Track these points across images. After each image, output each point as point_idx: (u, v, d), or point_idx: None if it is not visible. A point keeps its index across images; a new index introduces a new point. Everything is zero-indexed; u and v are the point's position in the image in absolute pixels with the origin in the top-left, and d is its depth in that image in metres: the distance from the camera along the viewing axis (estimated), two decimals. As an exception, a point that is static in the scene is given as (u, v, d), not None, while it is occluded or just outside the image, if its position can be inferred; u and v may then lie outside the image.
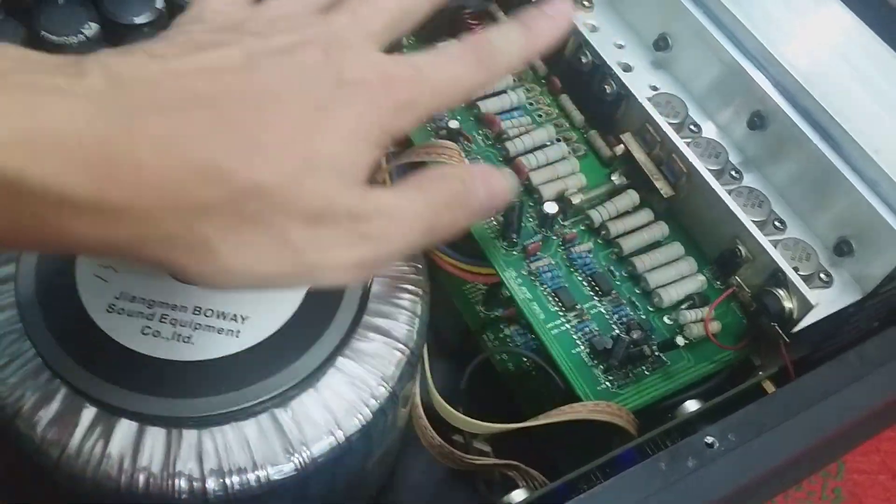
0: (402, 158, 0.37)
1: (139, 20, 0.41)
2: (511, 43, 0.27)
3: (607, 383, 0.33)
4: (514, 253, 0.36)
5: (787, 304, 0.33)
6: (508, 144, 0.38)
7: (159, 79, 0.21)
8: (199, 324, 0.27)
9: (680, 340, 0.33)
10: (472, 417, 0.34)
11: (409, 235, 0.24)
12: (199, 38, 0.23)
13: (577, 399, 0.33)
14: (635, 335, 0.33)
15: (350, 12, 0.25)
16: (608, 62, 0.38)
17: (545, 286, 0.35)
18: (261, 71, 0.22)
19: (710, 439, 0.27)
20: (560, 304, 0.34)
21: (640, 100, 0.37)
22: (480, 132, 0.39)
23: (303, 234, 0.22)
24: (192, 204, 0.20)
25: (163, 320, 0.27)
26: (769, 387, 0.32)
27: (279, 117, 0.22)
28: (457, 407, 0.34)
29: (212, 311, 0.28)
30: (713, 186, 0.35)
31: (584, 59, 0.39)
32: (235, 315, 0.28)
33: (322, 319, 0.28)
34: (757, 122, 0.38)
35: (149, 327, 0.27)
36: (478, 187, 0.26)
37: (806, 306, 0.33)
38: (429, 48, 0.40)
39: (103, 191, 0.19)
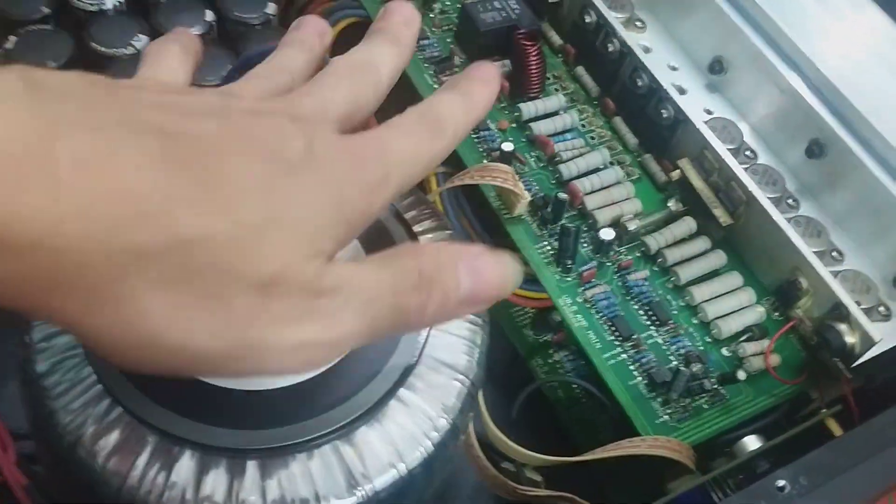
0: (454, 181, 0.37)
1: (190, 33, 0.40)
2: (454, 111, 0.25)
3: (666, 416, 0.32)
4: (569, 279, 0.35)
5: (850, 340, 0.32)
6: (562, 167, 0.37)
7: (97, 98, 0.18)
8: (263, 352, 0.27)
9: (741, 375, 0.32)
10: (522, 444, 0.33)
11: (367, 317, 0.21)
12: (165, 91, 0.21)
13: (634, 431, 0.32)
14: (695, 368, 0.32)
15: (313, 95, 0.23)
16: (664, 86, 0.38)
17: (601, 314, 0.34)
18: (230, 121, 0.20)
19: (781, 483, 0.26)
20: (616, 333, 0.34)
21: (698, 125, 0.36)
22: (534, 154, 0.38)
23: (248, 303, 0.19)
24: (122, 244, 0.17)
25: (226, 348, 0.27)
26: (832, 425, 0.32)
27: (243, 169, 0.19)
28: (508, 435, 0.33)
29: (275, 339, 0.27)
30: (773, 216, 0.34)
31: (640, 82, 0.38)
32: (298, 344, 0.27)
33: (384, 350, 0.28)
34: (815, 150, 0.37)
35: (212, 355, 0.26)
36: (458, 273, 0.22)
37: (868, 342, 0.32)
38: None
39: (8, 208, 0.16)
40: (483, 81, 0.26)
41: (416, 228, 0.31)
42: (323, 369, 0.26)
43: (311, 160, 0.20)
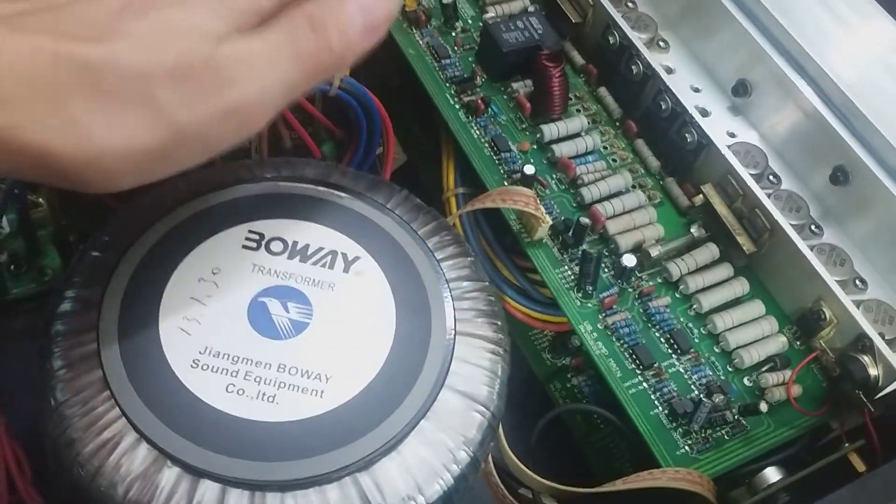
0: (475, 204, 0.36)
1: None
2: None
3: (686, 448, 0.32)
4: (590, 305, 0.35)
5: (873, 372, 0.32)
6: (584, 191, 0.37)
7: None
8: (284, 382, 0.27)
9: (763, 407, 0.32)
10: (539, 470, 0.33)
11: (277, 72, 0.24)
12: None
13: (654, 461, 0.32)
14: (717, 399, 0.32)
15: None
16: (688, 109, 0.37)
17: (622, 342, 0.34)
18: None
19: (805, 522, 0.26)
20: (637, 361, 0.33)
21: (722, 151, 0.36)
22: (555, 176, 0.38)
23: (167, 92, 0.22)
24: (50, 86, 0.21)
25: (247, 378, 0.26)
26: (855, 459, 0.31)
27: (115, 7, 0.23)
28: (526, 461, 0.33)
29: (296, 369, 0.27)
30: (798, 245, 0.34)
31: (663, 106, 0.38)
32: (319, 374, 0.27)
33: (405, 381, 0.28)
34: (840, 177, 0.37)
35: (233, 385, 0.26)
36: (347, 9, 0.25)
37: (892, 374, 0.32)
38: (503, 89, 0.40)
39: None
40: None
41: (438, 255, 0.31)
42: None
43: None
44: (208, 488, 0.25)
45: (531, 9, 0.43)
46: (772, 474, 0.32)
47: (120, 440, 0.25)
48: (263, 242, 0.29)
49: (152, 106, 0.22)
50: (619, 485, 0.31)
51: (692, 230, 0.36)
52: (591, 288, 0.35)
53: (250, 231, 0.29)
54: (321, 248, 0.30)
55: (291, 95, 0.25)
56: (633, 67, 0.39)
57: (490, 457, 0.32)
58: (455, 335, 0.29)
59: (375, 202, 0.31)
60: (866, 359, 0.32)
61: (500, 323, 0.30)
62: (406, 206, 0.32)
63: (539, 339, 0.40)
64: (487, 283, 0.31)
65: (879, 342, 0.32)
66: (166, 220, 0.29)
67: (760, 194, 0.35)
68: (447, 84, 0.40)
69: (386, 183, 0.33)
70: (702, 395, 0.32)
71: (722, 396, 0.32)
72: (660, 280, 0.36)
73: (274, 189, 0.30)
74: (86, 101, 0.22)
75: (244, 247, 0.29)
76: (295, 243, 0.29)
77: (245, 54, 0.24)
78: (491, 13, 0.42)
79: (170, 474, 0.25)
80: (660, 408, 0.33)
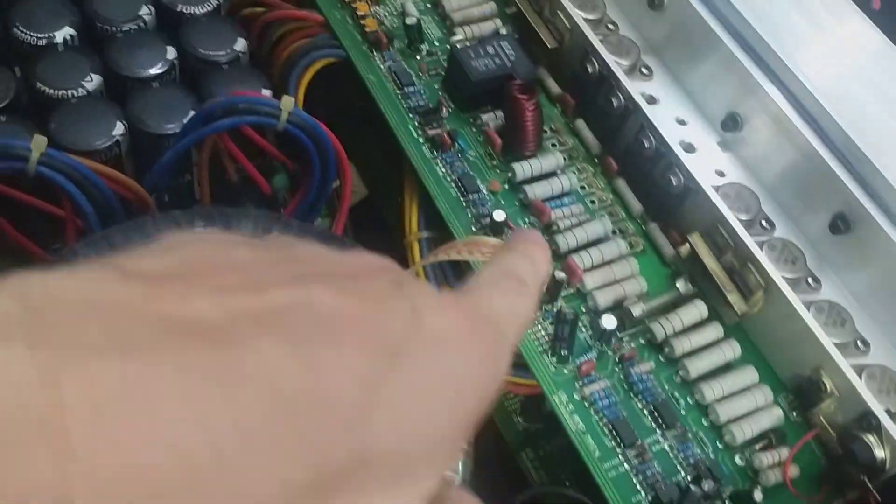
0: (439, 255, 0.32)
1: (149, 72, 0.36)
2: (527, 268, 0.20)
3: (672, 541, 0.28)
4: (565, 371, 0.31)
5: (879, 453, 0.29)
6: (559, 238, 0.33)
7: (129, 309, 0.13)
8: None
9: (758, 496, 0.28)
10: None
11: None
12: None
13: (637, 554, 0.28)
14: (706, 487, 0.28)
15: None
16: (673, 149, 0.34)
17: (601, 415, 0.30)
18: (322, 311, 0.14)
19: None
20: (618, 438, 0.30)
21: (711, 196, 0.33)
22: (528, 221, 0.34)
23: None
24: None
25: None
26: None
27: (338, 387, 0.13)
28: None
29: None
30: (795, 306, 0.31)
31: (646, 144, 0.34)
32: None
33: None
34: (841, 225, 0.34)
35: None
36: None
37: (900, 456, 0.29)
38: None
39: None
40: (537, 244, 0.22)
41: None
42: None
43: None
44: None
45: (503, 31, 0.39)
46: (766, 567, 0.29)
47: None
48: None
49: None
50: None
51: (678, 285, 0.33)
52: (566, 352, 0.31)
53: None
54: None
55: None
56: (612, 100, 0.35)
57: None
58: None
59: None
60: (872, 438, 0.29)
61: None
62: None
63: (510, 399, 0.37)
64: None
65: (886, 420, 0.29)
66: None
67: (753, 247, 0.32)
68: (410, 115, 0.36)
69: (335, 237, 0.29)
70: (689, 479, 0.29)
71: (712, 483, 0.28)
72: (642, 341, 0.32)
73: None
74: None
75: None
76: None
77: None
78: (459, 35, 0.38)
79: None
80: (643, 493, 0.29)
